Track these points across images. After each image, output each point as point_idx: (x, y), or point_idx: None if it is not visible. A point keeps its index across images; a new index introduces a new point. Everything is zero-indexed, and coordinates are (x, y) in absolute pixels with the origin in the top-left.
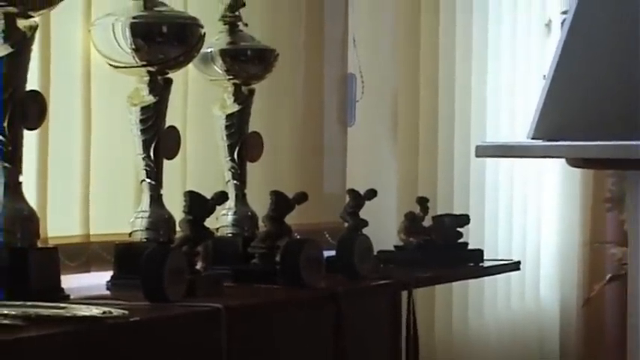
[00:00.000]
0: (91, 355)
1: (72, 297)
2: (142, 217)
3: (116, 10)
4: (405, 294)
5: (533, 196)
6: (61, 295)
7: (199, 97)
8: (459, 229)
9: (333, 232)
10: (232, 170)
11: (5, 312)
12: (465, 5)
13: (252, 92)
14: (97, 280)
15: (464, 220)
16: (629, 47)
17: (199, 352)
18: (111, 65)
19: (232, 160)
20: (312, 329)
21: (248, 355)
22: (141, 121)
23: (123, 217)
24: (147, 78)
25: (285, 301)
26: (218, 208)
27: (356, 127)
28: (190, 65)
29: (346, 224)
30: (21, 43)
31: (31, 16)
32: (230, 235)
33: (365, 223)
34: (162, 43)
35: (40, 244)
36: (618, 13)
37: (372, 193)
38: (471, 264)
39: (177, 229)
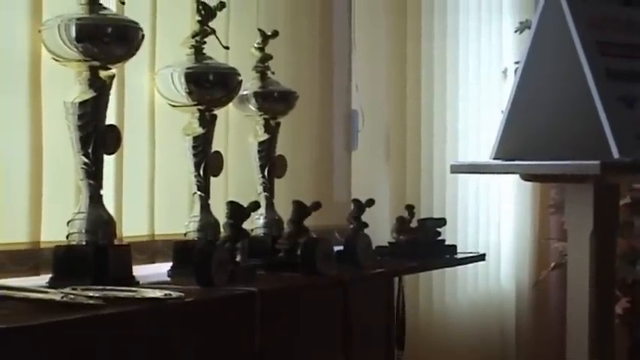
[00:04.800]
0: (155, 327)
1: (141, 283)
2: (194, 221)
3: (174, 63)
4: (396, 280)
5: (494, 203)
6: (132, 282)
7: (238, 129)
8: (438, 229)
9: (341, 232)
10: (263, 185)
11: (90, 294)
12: (441, 56)
13: (278, 125)
14: (160, 269)
15: (442, 222)
16: (568, 89)
17: (239, 325)
18: (170, 104)
19: (263, 177)
20: (325, 307)
21: (276, 328)
22: (193, 147)
23: (180, 221)
24: (197, 114)
25: (304, 286)
26: (253, 214)
27: (358, 151)
28: (230, 104)
29: (351, 226)
30: (102, 88)
31: (110, 68)
32: (262, 234)
33: (366, 225)
34: (209, 87)
35: (116, 242)
36: (559, 64)
37: (371, 202)
38: (447, 256)
39: (222, 230)
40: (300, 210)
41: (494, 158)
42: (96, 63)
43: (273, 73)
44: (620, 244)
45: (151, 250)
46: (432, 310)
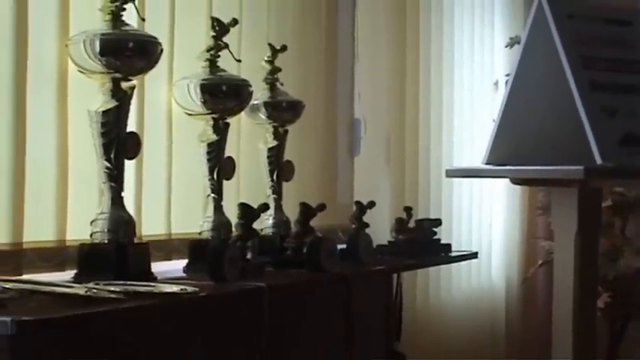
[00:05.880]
0: (172, 319)
1: (158, 278)
2: (208, 221)
3: (190, 75)
4: (395, 276)
5: (486, 205)
6: (151, 277)
7: (249, 136)
8: (434, 229)
9: (344, 232)
10: (272, 188)
11: (112, 289)
12: (438, 69)
13: (286, 132)
14: (177, 266)
15: (437, 222)
16: (554, 100)
17: (249, 317)
18: (186, 113)
19: (272, 180)
20: (329, 301)
21: (283, 321)
22: (207, 152)
23: (195, 221)
24: (211, 122)
25: (310, 281)
26: (262, 215)
27: (360, 157)
28: (242, 113)
29: (353, 226)
30: (123, 98)
31: (131, 79)
32: (271, 234)
33: (367, 225)
34: (222, 97)
35: (136, 241)
36: (546, 77)
37: (372, 204)
38: (442, 254)
39: (233, 230)
40: (307, 211)
41: (486, 163)
42: (118, 75)
43: (281, 84)
44: (602, 243)
45: (168, 248)
46: (429, 304)
